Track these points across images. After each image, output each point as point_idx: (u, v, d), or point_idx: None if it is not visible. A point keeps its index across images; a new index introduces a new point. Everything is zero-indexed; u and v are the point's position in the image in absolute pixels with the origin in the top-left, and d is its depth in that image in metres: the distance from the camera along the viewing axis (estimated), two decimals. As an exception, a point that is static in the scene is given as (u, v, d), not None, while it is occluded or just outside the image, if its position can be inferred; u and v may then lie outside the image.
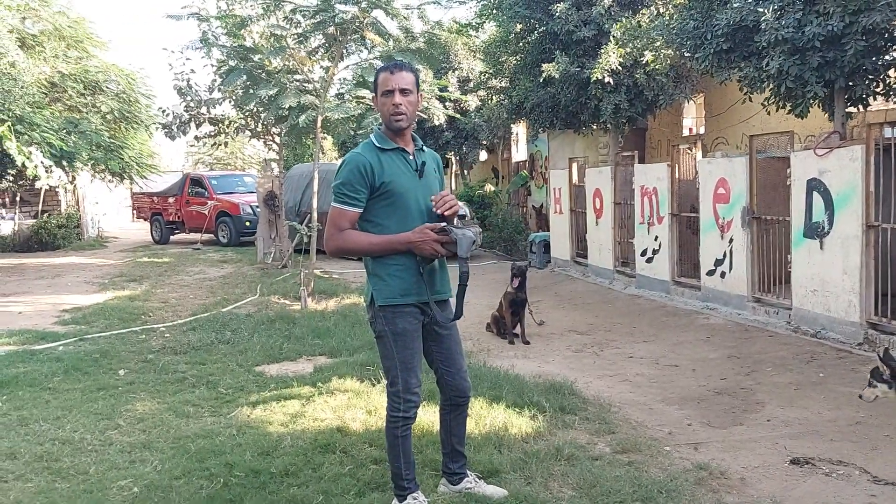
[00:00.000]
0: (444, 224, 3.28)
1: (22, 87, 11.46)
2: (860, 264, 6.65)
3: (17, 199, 19.59)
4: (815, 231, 7.16)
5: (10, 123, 9.25)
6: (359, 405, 5.22)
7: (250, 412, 5.20)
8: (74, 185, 19.77)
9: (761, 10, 6.93)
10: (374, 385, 5.72)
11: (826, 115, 7.65)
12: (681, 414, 5.20)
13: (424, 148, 3.51)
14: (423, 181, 3.39)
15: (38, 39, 14.58)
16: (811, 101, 7.21)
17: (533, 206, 17.23)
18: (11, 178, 16.74)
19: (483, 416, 4.82)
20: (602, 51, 9.99)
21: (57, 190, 19.00)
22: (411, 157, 3.39)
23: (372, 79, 10.94)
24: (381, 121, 3.39)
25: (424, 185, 3.39)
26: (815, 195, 7.13)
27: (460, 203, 3.36)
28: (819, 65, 6.73)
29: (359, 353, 6.83)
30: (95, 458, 4.38)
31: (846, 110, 7.36)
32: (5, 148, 8.81)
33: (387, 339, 3.35)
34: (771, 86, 7.42)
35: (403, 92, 3.28)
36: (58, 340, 7.76)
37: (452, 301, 3.51)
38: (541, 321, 8.26)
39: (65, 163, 11.85)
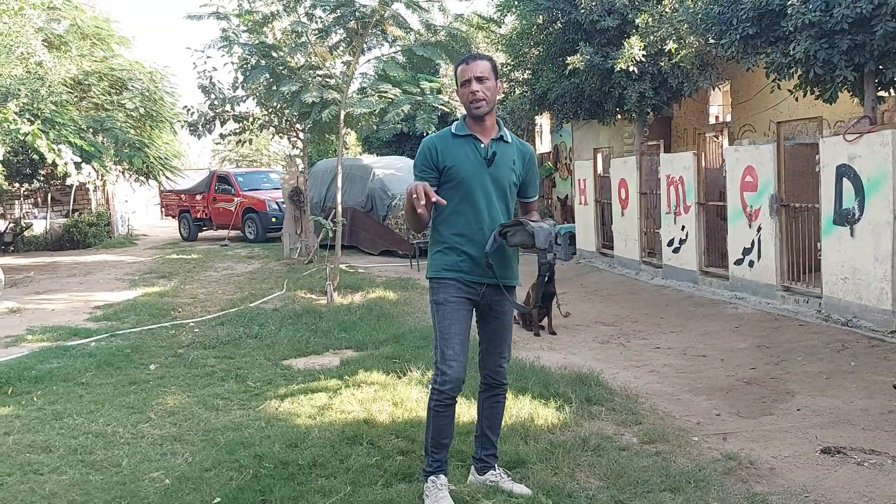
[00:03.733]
0: (519, 218, 3.43)
1: (49, 87, 11.62)
2: (892, 251, 6.53)
3: (49, 198, 19.91)
4: (845, 218, 7.04)
5: (39, 124, 9.40)
6: (385, 397, 5.24)
7: (278, 405, 5.25)
8: (104, 183, 20.03)
9: (787, -7, 6.82)
10: (399, 378, 5.75)
11: (855, 99, 7.52)
12: (709, 404, 5.16)
13: (509, 139, 3.55)
14: (493, 170, 3.46)
15: (64, 39, 14.77)
16: (840, 86, 7.09)
17: (558, 197, 17.15)
18: (42, 178, 17.05)
19: (509, 407, 4.81)
20: (626, 42, 9.90)
21: (88, 187, 19.29)
22: (483, 146, 3.48)
23: (394, 73, 10.92)
24: (465, 108, 3.53)
25: (493, 175, 3.47)
26: (845, 181, 7.01)
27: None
28: (848, 48, 6.61)
29: (385, 347, 6.86)
30: (128, 451, 4.45)
31: (876, 94, 7.22)
32: (36, 146, 8.95)
33: (432, 308, 3.53)
34: (798, 71, 7.31)
35: (480, 79, 3.40)
36: (90, 337, 7.89)
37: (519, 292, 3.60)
38: (567, 313, 8.23)
39: (94, 162, 12.01)
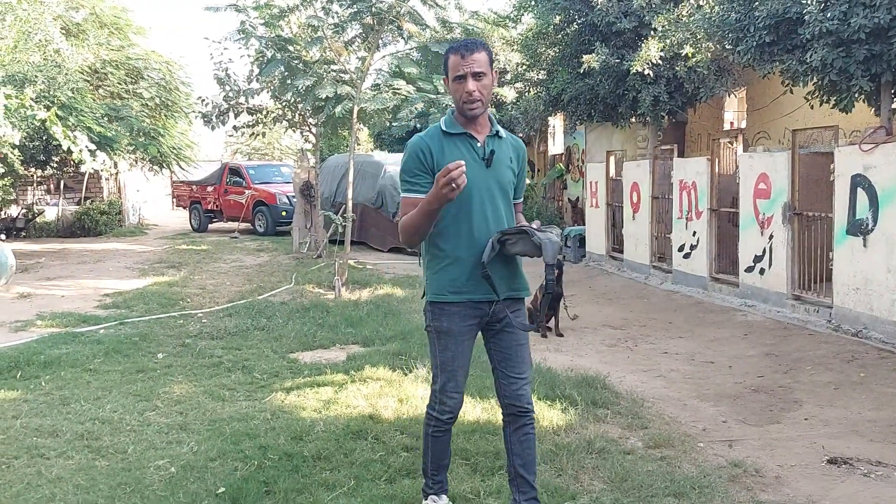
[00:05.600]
0: (524, 226, 3.03)
1: (66, 74, 11.69)
2: (905, 263, 6.50)
3: (61, 185, 20.01)
4: (858, 228, 7.00)
5: (55, 109, 9.46)
6: (391, 393, 5.25)
7: (284, 397, 5.26)
8: (117, 172, 20.13)
9: (805, 1, 6.78)
10: (405, 374, 5.75)
11: (872, 109, 7.47)
12: (716, 410, 5.14)
13: (503, 134, 3.17)
14: (491, 171, 3.07)
15: (82, 27, 14.85)
16: (856, 95, 7.05)
17: (569, 199, 17.11)
18: (56, 165, 17.13)
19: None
20: (643, 43, 9.87)
21: (101, 174, 19.36)
22: (479, 144, 3.08)
23: (408, 70, 10.91)
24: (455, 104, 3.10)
25: (492, 176, 3.07)
26: (860, 191, 6.97)
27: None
28: (865, 58, 6.58)
29: (391, 343, 6.86)
30: (134, 438, 4.47)
31: (893, 104, 7.17)
32: (51, 132, 9.01)
33: (431, 335, 3.17)
34: (814, 79, 7.27)
35: (477, 76, 2.98)
36: (99, 324, 7.93)
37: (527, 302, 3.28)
38: (574, 315, 8.21)
39: (107, 148, 12.08)
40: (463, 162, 2.67)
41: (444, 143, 3.05)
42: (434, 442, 3.25)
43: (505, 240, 3.01)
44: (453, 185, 2.64)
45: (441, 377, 3.15)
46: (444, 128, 3.08)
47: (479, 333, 3.21)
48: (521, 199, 3.32)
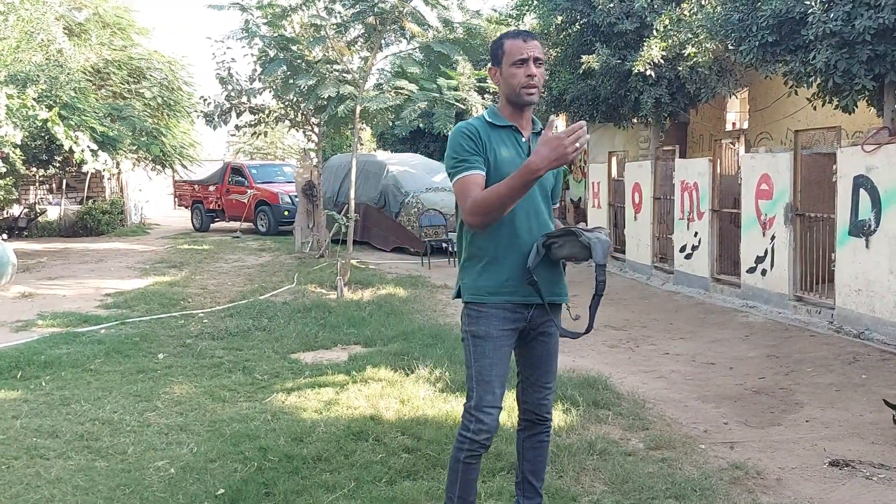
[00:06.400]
0: (571, 227, 2.85)
1: (68, 74, 11.70)
2: (907, 264, 6.48)
3: (64, 185, 20.03)
4: (860, 229, 6.98)
5: (57, 109, 9.46)
6: (392, 394, 5.24)
7: (285, 398, 5.25)
8: (119, 172, 20.14)
9: (808, 2, 6.76)
10: (407, 375, 5.74)
11: (874, 110, 7.45)
12: (717, 412, 5.13)
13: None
14: None
15: (85, 27, 14.87)
16: (859, 96, 7.03)
17: (571, 199, 17.10)
18: (58, 164, 17.15)
19: (514, 409, 4.79)
20: (644, 43, 9.85)
21: (103, 174, 19.39)
22: (524, 140, 2.90)
23: (411, 70, 10.89)
24: (505, 93, 2.90)
25: None
26: (862, 192, 6.95)
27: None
28: (868, 59, 6.56)
29: (393, 343, 6.86)
30: (134, 439, 4.47)
31: (896, 106, 7.16)
32: (53, 133, 9.02)
33: (467, 341, 2.92)
34: (818, 80, 7.25)
35: (538, 62, 2.82)
36: (100, 324, 7.93)
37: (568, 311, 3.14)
38: (576, 316, 8.17)
39: (109, 147, 12.10)
40: (584, 122, 2.55)
41: (491, 133, 2.86)
42: (465, 470, 2.87)
43: (551, 243, 2.84)
44: (578, 144, 2.47)
45: (477, 391, 2.86)
46: (488, 119, 2.91)
47: None
48: (558, 204, 3.15)
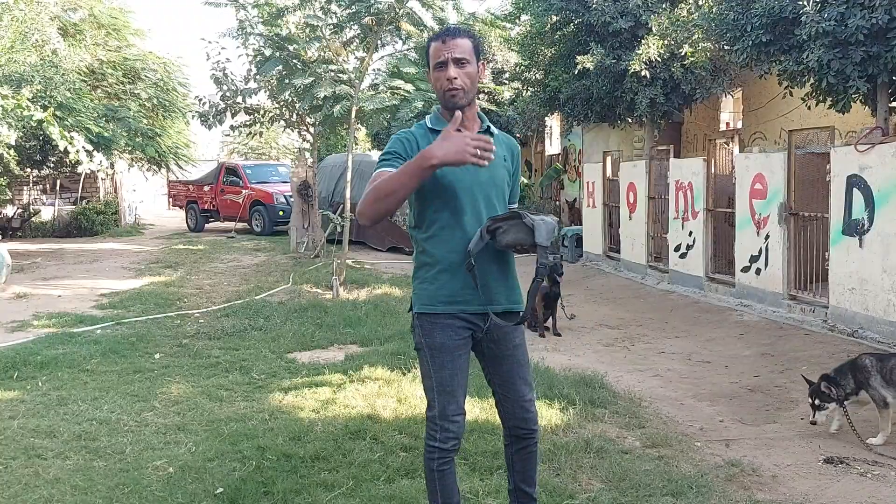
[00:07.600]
0: (516, 209, 2.76)
1: (63, 75, 11.68)
2: (900, 263, 6.52)
3: (58, 185, 19.98)
4: (854, 228, 7.02)
5: (52, 109, 9.45)
6: (389, 393, 5.26)
7: (282, 398, 5.26)
8: (113, 172, 20.11)
9: (801, 1, 6.79)
10: (404, 374, 5.76)
11: (868, 110, 7.49)
12: (712, 410, 5.16)
13: (494, 131, 2.87)
14: (486, 169, 2.66)
15: (80, 27, 14.85)
16: (853, 96, 7.07)
17: (566, 199, 17.13)
18: (52, 165, 17.12)
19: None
20: (641, 42, 9.87)
21: (98, 174, 19.36)
22: None
23: (407, 70, 10.90)
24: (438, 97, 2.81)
25: (486, 174, 2.74)
26: (856, 192, 6.99)
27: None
28: (862, 59, 6.59)
29: (389, 343, 6.87)
30: (131, 439, 4.47)
31: (889, 105, 7.20)
32: (48, 133, 9.01)
33: (423, 353, 2.81)
34: (811, 80, 7.28)
35: (458, 62, 2.68)
36: (96, 324, 7.92)
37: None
38: (572, 315, 8.22)
39: (104, 148, 12.10)
40: (491, 139, 2.49)
41: (431, 138, 2.68)
42: (441, 478, 2.82)
43: (496, 228, 2.68)
44: (478, 152, 2.42)
45: (439, 401, 2.78)
46: (429, 125, 2.81)
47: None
48: (517, 203, 3.02)
